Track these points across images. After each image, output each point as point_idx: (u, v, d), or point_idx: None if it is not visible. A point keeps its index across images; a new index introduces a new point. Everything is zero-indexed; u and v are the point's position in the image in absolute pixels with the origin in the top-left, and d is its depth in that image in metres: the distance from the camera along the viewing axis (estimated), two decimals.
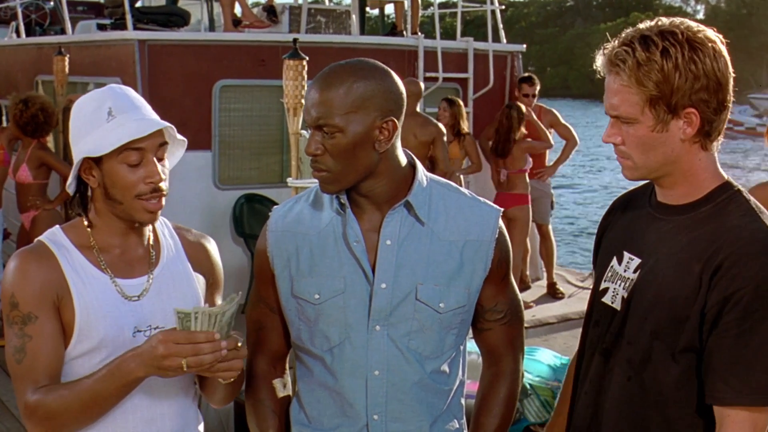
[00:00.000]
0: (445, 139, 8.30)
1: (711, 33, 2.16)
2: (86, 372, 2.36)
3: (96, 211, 2.49)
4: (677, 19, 2.18)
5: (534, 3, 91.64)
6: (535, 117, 9.20)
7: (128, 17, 8.32)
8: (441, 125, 8.35)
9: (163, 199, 2.45)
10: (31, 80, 10.45)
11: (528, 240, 9.59)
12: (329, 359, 2.47)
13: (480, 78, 9.62)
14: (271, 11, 9.56)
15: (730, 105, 2.19)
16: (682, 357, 2.19)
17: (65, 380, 2.41)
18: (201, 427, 2.70)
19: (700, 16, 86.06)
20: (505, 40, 10.25)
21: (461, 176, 8.84)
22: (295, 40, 6.01)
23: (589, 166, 33.60)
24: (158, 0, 11.59)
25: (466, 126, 8.89)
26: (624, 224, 2.44)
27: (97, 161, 2.40)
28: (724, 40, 2.18)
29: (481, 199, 2.57)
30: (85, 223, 2.50)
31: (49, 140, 8.23)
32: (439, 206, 2.48)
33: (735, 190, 2.23)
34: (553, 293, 9.38)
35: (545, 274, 9.71)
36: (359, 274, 2.43)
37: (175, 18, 9.12)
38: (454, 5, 10.95)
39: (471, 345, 2.71)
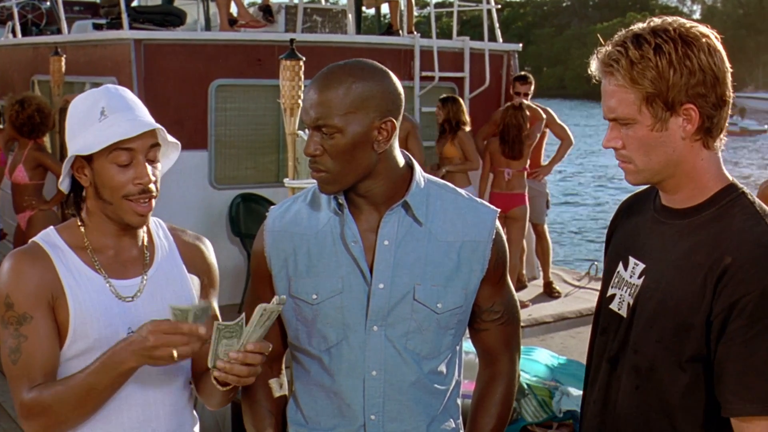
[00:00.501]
0: (419, 134, 8.33)
1: (704, 28, 2.14)
2: None
3: (88, 210, 2.50)
4: (669, 18, 2.16)
5: (530, 3, 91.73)
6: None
7: (124, 17, 8.31)
8: (414, 120, 8.37)
9: (153, 202, 2.45)
10: (27, 80, 10.44)
11: (524, 239, 9.60)
12: (327, 359, 2.47)
13: (476, 77, 9.62)
14: (267, 11, 9.55)
15: (730, 100, 2.16)
16: (689, 366, 2.15)
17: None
18: (197, 428, 2.70)
19: (697, 16, 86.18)
20: (501, 40, 10.24)
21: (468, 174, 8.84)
22: (292, 41, 6.00)
23: (586, 165, 33.64)
24: (154, 0, 11.58)
25: (465, 122, 8.81)
26: (629, 228, 2.41)
27: (89, 160, 2.40)
28: (718, 36, 2.15)
29: (479, 199, 2.58)
30: (78, 223, 2.50)
31: (46, 141, 8.22)
32: (437, 207, 2.48)
33: (739, 192, 2.18)
34: (549, 292, 9.38)
35: (541, 274, 9.71)
36: (357, 275, 2.43)
37: (171, 17, 9.11)
38: (451, 5, 10.95)
39: (468, 345, 2.71)
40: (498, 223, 2.54)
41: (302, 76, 5.98)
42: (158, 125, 2.44)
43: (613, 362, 2.33)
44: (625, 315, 2.30)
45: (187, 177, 7.87)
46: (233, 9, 9.18)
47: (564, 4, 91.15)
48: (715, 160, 2.20)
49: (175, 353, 2.22)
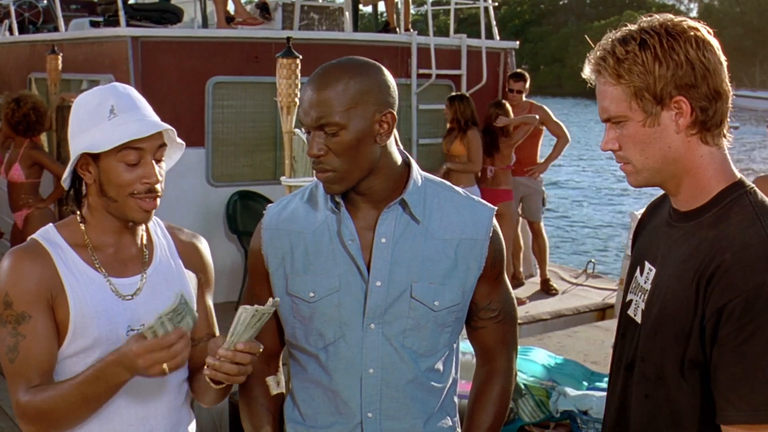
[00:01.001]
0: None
1: (693, 23, 2.12)
2: (81, 370, 2.36)
3: (89, 207, 2.49)
4: (659, 15, 2.15)
5: (527, 1, 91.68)
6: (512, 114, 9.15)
7: (121, 14, 8.32)
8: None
9: (158, 200, 2.45)
10: (24, 78, 10.43)
11: (521, 237, 9.61)
12: (324, 357, 2.47)
13: (473, 75, 9.63)
14: (264, 8, 9.56)
15: (728, 94, 2.13)
16: (690, 373, 2.13)
17: (59, 379, 2.41)
18: (193, 425, 2.70)
19: (694, 14, 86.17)
20: (498, 38, 10.25)
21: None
22: (288, 39, 6.00)
23: (584, 164, 33.65)
24: None
25: (475, 119, 8.77)
26: (649, 232, 2.39)
27: (95, 158, 2.40)
28: (710, 30, 2.13)
29: (475, 197, 2.58)
30: (78, 219, 2.50)
31: (43, 139, 8.21)
32: (434, 205, 2.48)
33: (742, 191, 2.14)
34: (546, 290, 9.39)
35: (538, 271, 9.72)
36: (354, 273, 2.43)
37: (168, 15, 9.11)
38: (448, 2, 10.94)
39: (465, 345, 2.72)
40: (495, 221, 2.54)
41: (299, 74, 5.97)
42: (169, 126, 2.45)
43: (629, 369, 2.31)
44: (639, 321, 2.28)
45: (184, 174, 7.87)
46: (230, 6, 9.18)
47: (561, 2, 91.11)
48: (717, 157, 2.15)
49: (165, 367, 2.23)
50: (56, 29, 10.82)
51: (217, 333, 2.67)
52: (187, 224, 2.74)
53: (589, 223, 22.45)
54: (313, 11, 9.53)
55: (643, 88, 2.09)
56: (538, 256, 9.69)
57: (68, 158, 2.46)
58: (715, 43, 2.12)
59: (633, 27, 2.15)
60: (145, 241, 2.57)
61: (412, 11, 10.54)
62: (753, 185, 2.16)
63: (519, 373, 5.69)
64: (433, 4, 10.69)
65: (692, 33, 2.09)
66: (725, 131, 2.15)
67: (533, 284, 9.63)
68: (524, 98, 9.40)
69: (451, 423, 2.61)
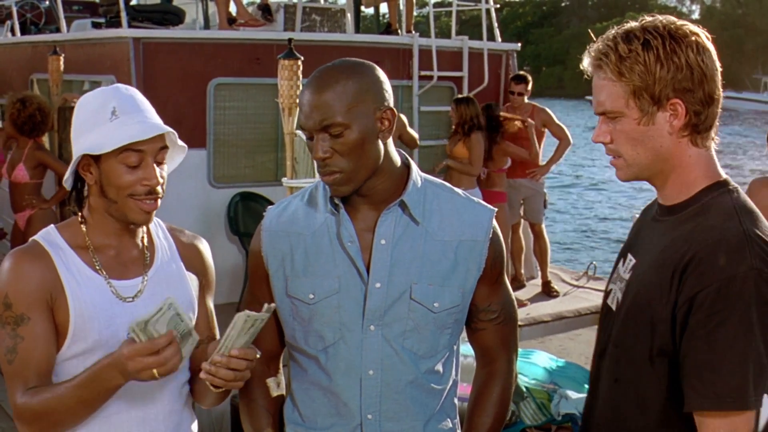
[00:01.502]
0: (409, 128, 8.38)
1: (694, 27, 2.17)
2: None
3: (90, 208, 2.49)
4: (660, 17, 2.20)
5: (529, 2, 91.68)
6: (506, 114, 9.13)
7: (123, 15, 8.32)
8: (403, 117, 8.37)
9: (159, 201, 2.45)
10: (26, 79, 10.43)
11: (522, 238, 9.60)
12: (323, 359, 2.47)
13: (475, 77, 9.62)
14: (266, 10, 9.55)
15: (720, 99, 2.19)
16: (658, 360, 2.18)
17: (59, 381, 2.41)
18: (195, 427, 2.70)
19: (696, 16, 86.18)
20: (500, 39, 10.24)
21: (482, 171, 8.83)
22: (290, 40, 6.00)
23: (586, 166, 33.65)
24: None
25: (481, 124, 8.75)
26: (637, 227, 2.45)
27: (96, 159, 2.40)
28: (709, 36, 2.18)
29: (475, 199, 2.58)
30: (80, 220, 2.50)
31: (45, 140, 8.21)
32: (434, 206, 2.48)
33: (724, 189, 2.21)
34: (547, 292, 9.38)
35: (540, 273, 9.71)
36: (353, 274, 2.43)
37: (170, 16, 9.11)
38: (449, 4, 10.93)
39: (466, 348, 2.71)
40: (495, 222, 2.54)
41: (300, 76, 5.98)
42: (170, 129, 2.45)
43: (602, 355, 2.38)
44: (615, 309, 2.35)
45: (185, 176, 7.87)
46: (232, 8, 9.18)
47: (563, 4, 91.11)
48: (705, 158, 2.22)
49: (155, 372, 2.23)
50: (58, 30, 10.82)
51: (218, 335, 2.67)
52: (188, 225, 2.73)
53: (591, 225, 22.45)
54: (315, 13, 9.51)
55: (642, 88, 2.13)
56: (540, 258, 9.68)
57: (70, 159, 2.46)
58: (713, 50, 2.17)
59: (635, 24, 2.19)
60: (146, 243, 2.57)
61: (414, 12, 10.52)
62: (736, 185, 2.22)
63: (521, 376, 5.69)
64: (435, 6, 10.69)
65: (693, 38, 2.14)
66: (714, 134, 2.21)
67: (534, 286, 9.62)
68: (526, 100, 9.39)
69: (451, 425, 2.61)
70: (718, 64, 2.17)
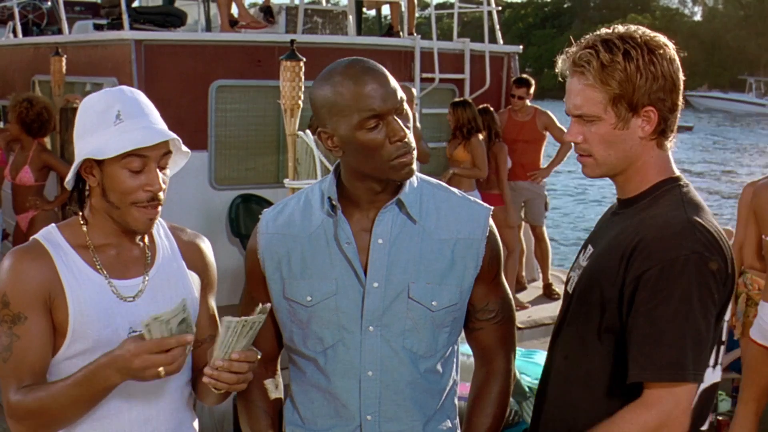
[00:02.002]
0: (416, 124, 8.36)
1: (664, 38, 2.34)
2: None
3: (92, 208, 2.49)
4: (632, 26, 2.35)
5: (531, 4, 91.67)
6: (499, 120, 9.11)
7: (125, 17, 8.32)
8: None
9: (159, 208, 2.45)
10: (27, 80, 10.43)
11: (523, 241, 9.60)
12: (322, 361, 2.48)
13: (476, 79, 9.61)
14: (267, 12, 9.55)
15: (681, 105, 2.36)
16: (606, 337, 2.32)
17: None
18: (196, 426, 2.70)
19: (698, 17, 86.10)
20: (501, 41, 10.24)
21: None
22: (292, 42, 6.01)
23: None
24: (155, 0, 11.58)
25: (478, 127, 8.75)
26: (599, 221, 2.61)
27: (99, 162, 2.40)
28: (674, 46, 2.34)
29: (471, 198, 2.59)
30: (81, 221, 2.50)
31: (46, 141, 8.22)
32: (430, 205, 2.49)
33: (675, 184, 2.38)
34: (549, 294, 9.38)
35: (541, 276, 9.71)
36: (351, 276, 2.43)
37: (172, 18, 9.11)
38: (451, 6, 10.94)
39: (466, 348, 2.72)
40: (491, 221, 2.55)
41: (302, 77, 5.98)
42: (174, 135, 2.45)
43: (557, 334, 2.54)
44: (571, 293, 2.50)
45: (187, 177, 7.83)
46: (234, 10, 9.18)
47: (565, 5, 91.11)
48: (663, 157, 2.40)
49: (162, 371, 2.23)
50: (60, 31, 10.82)
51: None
52: (189, 227, 2.73)
53: (592, 228, 22.42)
54: (317, 15, 9.51)
55: (621, 96, 2.29)
56: (541, 261, 9.69)
57: (72, 159, 2.47)
58: (678, 61, 2.34)
59: (610, 31, 2.34)
60: (147, 242, 2.57)
61: (415, 15, 10.51)
62: (687, 182, 2.41)
63: (523, 376, 5.69)
64: (436, 8, 10.70)
65: (666, 50, 2.31)
66: (673, 137, 2.40)
67: (535, 288, 9.62)
68: (528, 103, 9.39)
69: (450, 425, 2.62)
70: (682, 74, 2.35)
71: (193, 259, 2.64)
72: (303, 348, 2.50)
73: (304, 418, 2.55)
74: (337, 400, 2.48)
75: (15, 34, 11.90)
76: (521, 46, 10.53)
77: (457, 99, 8.97)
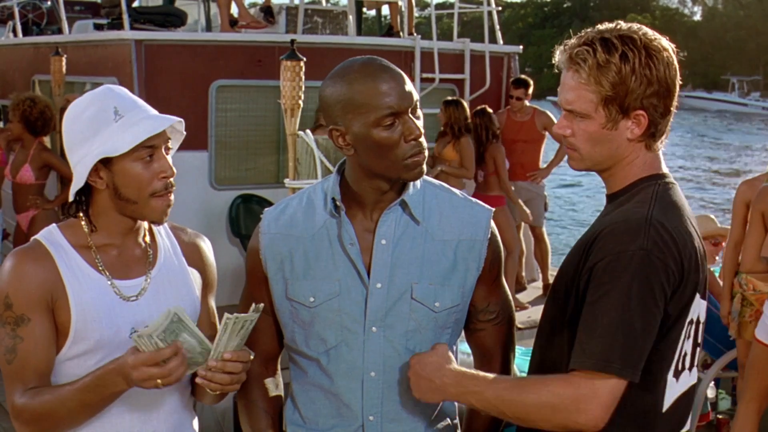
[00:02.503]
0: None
1: (665, 41, 2.30)
2: (82, 373, 2.37)
3: (95, 212, 2.48)
4: (634, 25, 2.32)
5: (531, 4, 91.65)
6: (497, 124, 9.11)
7: (125, 17, 8.32)
8: None
9: (172, 196, 2.46)
10: (27, 80, 10.43)
11: (523, 241, 9.59)
12: (325, 361, 2.48)
13: (476, 79, 9.61)
14: (267, 12, 9.55)
15: (674, 110, 2.34)
16: (567, 329, 2.32)
17: (60, 381, 2.42)
18: (195, 424, 2.70)
19: (697, 17, 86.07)
20: (501, 41, 10.24)
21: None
22: (292, 41, 6.01)
23: None
24: (155, 0, 11.58)
25: (468, 126, 8.77)
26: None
27: (106, 162, 2.38)
28: (675, 50, 2.31)
29: (473, 199, 2.59)
30: (85, 228, 2.49)
31: (46, 141, 8.22)
32: (433, 206, 2.49)
33: (654, 182, 2.35)
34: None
35: (541, 276, 9.71)
36: (354, 276, 2.43)
37: (172, 18, 9.11)
38: (451, 6, 10.94)
39: (464, 346, 2.72)
40: (493, 223, 2.55)
41: (303, 77, 5.99)
42: (178, 118, 2.46)
43: (539, 327, 2.54)
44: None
45: (187, 178, 7.84)
46: (234, 10, 9.18)
47: (565, 5, 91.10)
48: (651, 156, 2.38)
49: (159, 382, 2.23)
50: (60, 31, 10.82)
51: None
52: (189, 227, 2.73)
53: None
54: (317, 15, 9.51)
55: (613, 98, 2.26)
56: (540, 262, 9.68)
57: (72, 163, 2.45)
58: (677, 64, 2.31)
59: (612, 29, 2.31)
60: (149, 242, 2.57)
61: (415, 15, 10.52)
62: (673, 181, 2.39)
63: (522, 376, 5.69)
64: (436, 8, 10.69)
65: (665, 54, 2.28)
66: (664, 138, 2.37)
67: (535, 289, 9.62)
68: (527, 104, 9.39)
69: (451, 424, 2.62)
70: (679, 79, 2.32)
71: (194, 258, 2.64)
72: (305, 348, 2.50)
73: (305, 417, 2.55)
74: (340, 400, 2.48)
75: (15, 34, 11.90)
76: (521, 47, 10.53)
77: (449, 98, 8.97)
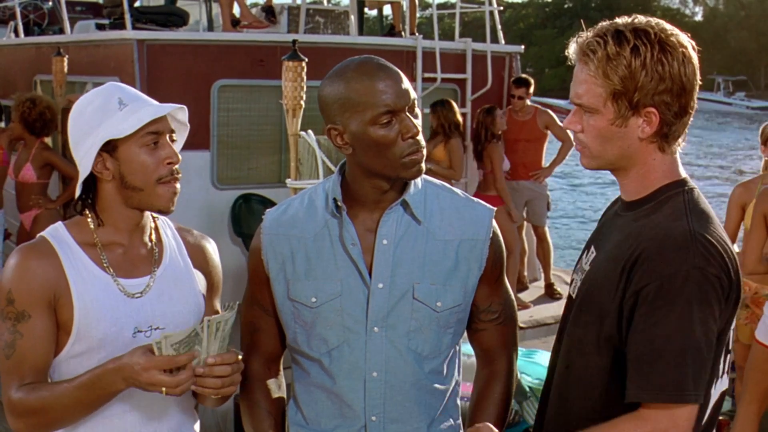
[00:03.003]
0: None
1: (684, 38, 2.20)
2: (83, 371, 2.37)
3: (102, 208, 2.49)
4: (653, 19, 2.22)
5: (532, 4, 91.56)
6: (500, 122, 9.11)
7: (127, 17, 8.32)
8: None
9: (178, 184, 2.46)
10: (29, 80, 10.43)
11: (525, 241, 9.59)
12: (327, 361, 2.48)
13: (478, 79, 9.61)
14: (269, 11, 9.55)
15: (693, 111, 2.23)
16: (605, 350, 2.25)
17: (64, 378, 2.42)
18: (197, 426, 2.70)
19: (698, 17, 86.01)
20: (503, 41, 10.24)
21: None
22: (294, 42, 6.01)
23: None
24: (157, 0, 11.58)
25: (459, 124, 8.78)
26: (602, 220, 2.52)
27: (112, 152, 2.40)
28: (696, 47, 2.22)
29: (475, 199, 2.59)
30: (90, 224, 2.49)
31: (48, 141, 8.23)
32: (434, 206, 2.49)
33: (680, 189, 2.26)
34: (550, 294, 9.37)
35: (543, 275, 9.71)
36: (356, 277, 2.44)
37: (174, 18, 9.11)
38: (453, 6, 10.94)
39: (467, 348, 2.72)
40: (495, 223, 2.55)
41: (305, 77, 5.98)
42: (181, 105, 2.49)
43: (559, 342, 2.46)
44: (574, 297, 2.42)
45: (189, 177, 7.84)
46: (236, 10, 9.18)
47: (566, 6, 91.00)
48: (668, 161, 2.28)
49: (163, 391, 2.23)
50: (61, 31, 10.81)
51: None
52: (192, 227, 2.74)
53: (594, 228, 22.41)
54: (319, 15, 9.51)
55: (622, 93, 2.17)
56: (543, 261, 9.68)
57: (73, 159, 2.47)
58: (697, 62, 2.21)
59: (627, 21, 2.22)
60: (155, 240, 2.57)
61: (417, 15, 10.52)
62: (694, 186, 2.29)
63: (524, 376, 5.70)
64: (438, 8, 10.69)
65: (681, 50, 2.18)
66: (681, 141, 2.27)
67: (537, 288, 9.62)
68: (529, 103, 9.40)
69: (453, 425, 2.62)
70: (698, 78, 2.22)
71: (199, 260, 2.65)
72: (307, 349, 2.50)
73: (308, 418, 2.55)
74: (342, 400, 2.48)
75: (17, 34, 11.90)
76: (522, 46, 10.53)
77: (435, 101, 8.96)
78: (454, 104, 8.84)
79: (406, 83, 2.38)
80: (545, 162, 9.75)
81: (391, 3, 10.09)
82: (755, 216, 5.65)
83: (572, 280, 2.49)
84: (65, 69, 8.79)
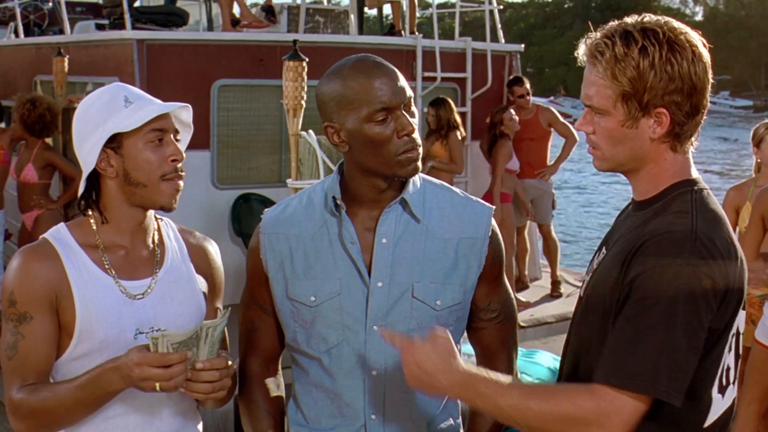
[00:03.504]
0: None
1: (694, 36, 2.18)
2: None
3: (105, 206, 2.49)
4: (663, 18, 2.20)
5: (532, 4, 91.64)
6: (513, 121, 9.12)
7: (127, 17, 8.32)
8: None
9: (181, 182, 2.46)
10: (29, 80, 10.44)
11: (527, 239, 9.59)
12: (327, 360, 2.48)
13: (478, 78, 9.62)
14: (269, 11, 9.56)
15: (705, 110, 2.20)
16: None
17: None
18: (200, 427, 2.70)
19: (699, 17, 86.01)
20: (503, 41, 10.25)
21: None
22: (295, 41, 6.01)
23: (590, 166, 33.61)
24: (157, 0, 11.58)
25: (456, 124, 8.80)
26: (615, 222, 2.49)
27: (116, 149, 2.41)
28: (707, 44, 2.19)
29: (474, 197, 2.59)
30: (93, 224, 2.49)
31: (48, 141, 8.23)
32: (433, 204, 2.49)
33: (689, 188, 2.23)
34: (554, 291, 9.36)
35: (544, 274, 9.71)
36: (355, 275, 2.43)
37: (174, 18, 9.11)
38: (453, 5, 10.95)
39: (467, 347, 2.72)
40: (494, 221, 2.55)
41: (305, 77, 5.98)
42: (186, 104, 2.51)
43: (567, 342, 2.43)
44: (583, 297, 2.39)
45: (189, 177, 7.72)
46: (236, 9, 9.18)
47: (566, 6, 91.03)
48: (680, 161, 2.25)
49: (158, 386, 2.23)
50: (61, 32, 10.82)
51: (226, 337, 2.67)
52: (191, 227, 2.74)
53: (595, 226, 22.44)
54: (319, 14, 9.52)
55: (631, 94, 2.14)
56: (549, 258, 9.68)
57: (75, 157, 2.47)
58: (708, 61, 2.18)
59: (635, 21, 2.19)
60: (157, 242, 2.57)
61: (417, 14, 10.52)
62: (705, 186, 2.25)
63: (524, 376, 5.69)
64: (438, 7, 10.69)
65: (690, 48, 2.15)
66: (694, 140, 2.24)
67: (538, 287, 9.62)
68: (531, 99, 9.43)
69: (453, 424, 2.61)
70: (710, 76, 2.19)
71: (201, 262, 2.65)
72: (307, 348, 2.50)
73: (307, 417, 2.55)
74: (342, 399, 2.48)
75: (17, 35, 11.91)
76: (522, 45, 10.54)
77: (434, 98, 8.97)
78: (451, 102, 8.84)
79: (402, 81, 2.38)
80: (549, 159, 9.76)
81: (391, 2, 10.10)
82: (753, 216, 5.65)
83: (583, 281, 2.46)
84: (65, 69, 8.80)
